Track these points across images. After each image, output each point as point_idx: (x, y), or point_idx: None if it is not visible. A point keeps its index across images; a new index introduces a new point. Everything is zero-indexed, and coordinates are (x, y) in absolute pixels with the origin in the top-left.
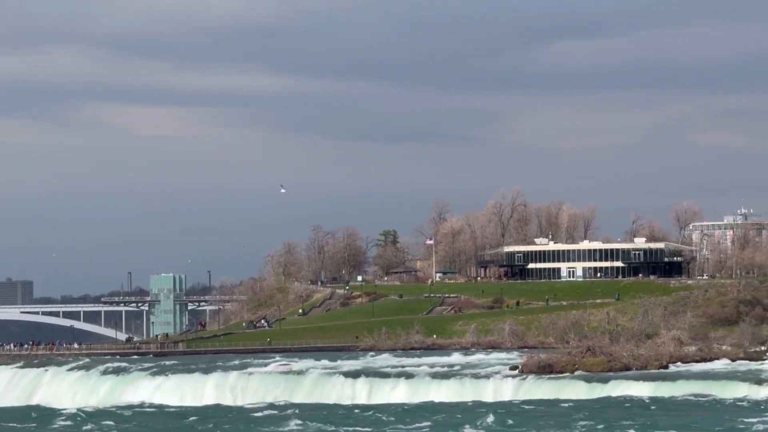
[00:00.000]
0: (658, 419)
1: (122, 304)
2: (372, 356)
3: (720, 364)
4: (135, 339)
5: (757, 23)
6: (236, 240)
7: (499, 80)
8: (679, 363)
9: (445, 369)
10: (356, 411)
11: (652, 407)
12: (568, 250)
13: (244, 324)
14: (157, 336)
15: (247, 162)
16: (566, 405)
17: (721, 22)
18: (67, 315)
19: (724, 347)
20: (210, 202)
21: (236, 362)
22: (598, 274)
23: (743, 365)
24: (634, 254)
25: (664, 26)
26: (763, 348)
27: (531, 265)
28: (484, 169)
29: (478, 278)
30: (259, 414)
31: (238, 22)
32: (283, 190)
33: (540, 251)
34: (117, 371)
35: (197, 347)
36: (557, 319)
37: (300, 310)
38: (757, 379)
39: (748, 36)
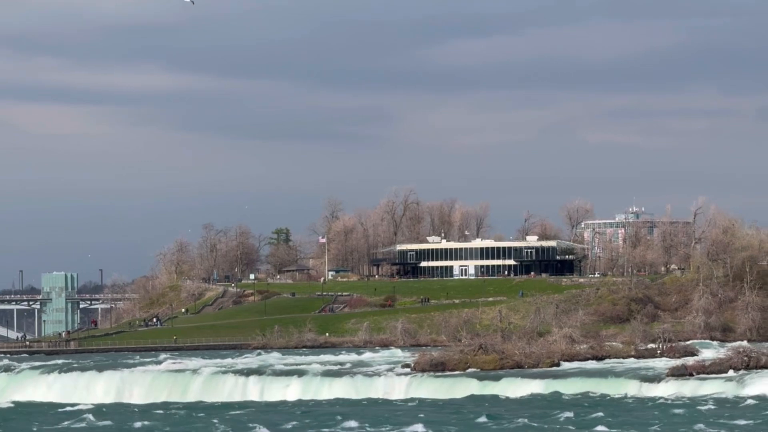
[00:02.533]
0: (551, 414)
1: (13, 303)
2: (259, 354)
3: (611, 362)
4: (27, 337)
5: (646, 21)
6: (128, 239)
7: (394, 79)
8: (572, 361)
9: (337, 367)
10: (250, 409)
11: (544, 403)
12: (461, 249)
13: (137, 322)
14: (60, 334)
15: (140, 160)
16: (459, 401)
17: (616, 20)
18: None
19: (615, 344)
20: (102, 200)
21: (128, 360)
22: (491, 273)
23: (634, 363)
24: (527, 252)
25: (559, 24)
26: (653, 345)
27: (424, 263)
28: (377, 168)
29: (372, 277)
30: (150, 412)
31: (133, 21)
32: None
33: (432, 249)
34: (7, 369)
35: (89, 346)
36: (450, 317)
37: (183, 310)
38: (646, 376)
39: (640, 34)
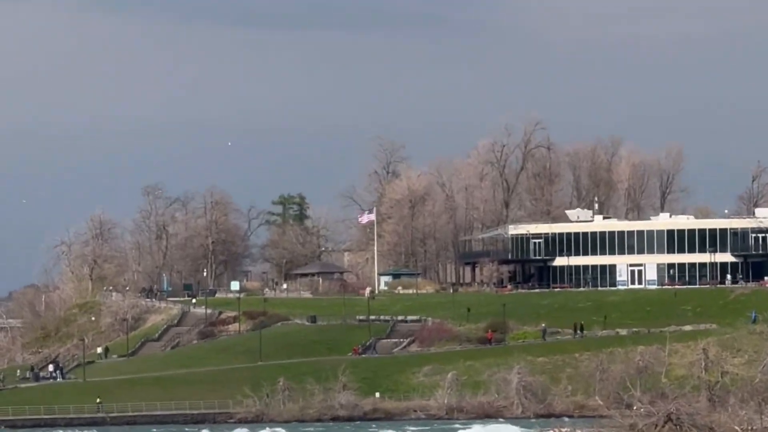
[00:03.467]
0: None
1: None
2: None
3: None
4: None
5: None
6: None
7: None
8: None
9: None
10: None
11: None
12: (631, 233)
13: (17, 373)
14: None
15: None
16: None
17: None
18: None
19: None
20: None
21: None
22: (689, 277)
23: None
24: (757, 240)
25: None
26: None
27: (559, 260)
28: (472, 82)
29: (462, 285)
30: None
31: None
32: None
33: (576, 234)
34: None
35: None
36: (610, 362)
37: (100, 349)
38: None
39: None
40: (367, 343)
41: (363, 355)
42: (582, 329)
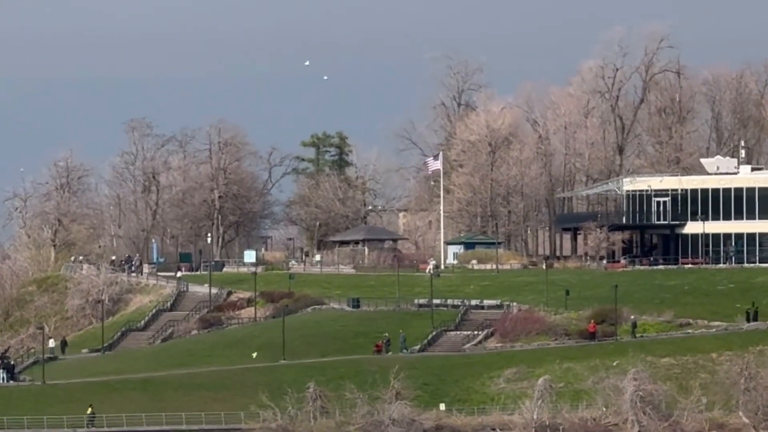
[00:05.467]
0: None
1: None
2: None
3: None
4: None
5: None
6: None
7: None
8: None
9: None
10: None
11: None
12: None
13: None
14: None
15: None
16: None
17: None
18: None
19: None
20: None
21: None
22: None
23: None
24: None
25: None
26: None
27: (691, 227)
28: None
29: (557, 259)
30: None
31: None
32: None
33: (716, 190)
34: None
35: None
36: (760, 365)
37: (52, 343)
38: None
39: None
40: (429, 338)
41: (389, 354)
42: (756, 316)
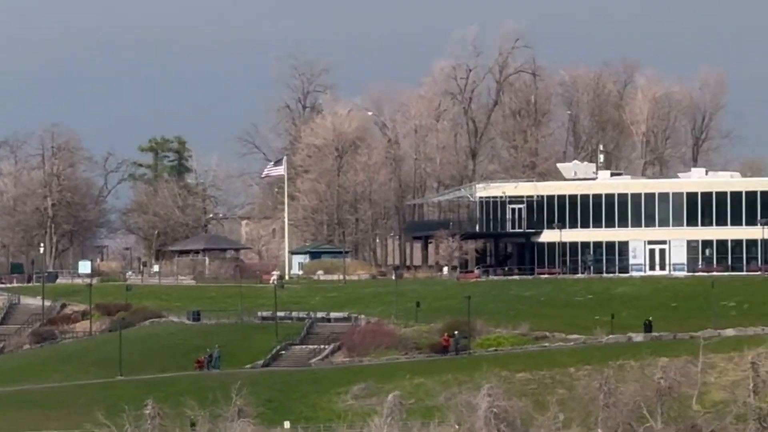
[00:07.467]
0: None
1: None
2: None
3: None
4: None
5: None
6: None
7: None
8: None
9: None
10: None
11: None
12: (649, 196)
13: None
14: None
15: None
16: None
17: None
18: None
19: None
20: None
21: None
22: (733, 260)
23: None
24: None
25: None
26: None
27: (547, 235)
28: None
29: (405, 270)
30: None
31: None
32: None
33: (573, 197)
34: None
35: None
36: (619, 380)
37: None
38: None
39: None
40: (273, 352)
41: (214, 370)
42: (650, 327)
